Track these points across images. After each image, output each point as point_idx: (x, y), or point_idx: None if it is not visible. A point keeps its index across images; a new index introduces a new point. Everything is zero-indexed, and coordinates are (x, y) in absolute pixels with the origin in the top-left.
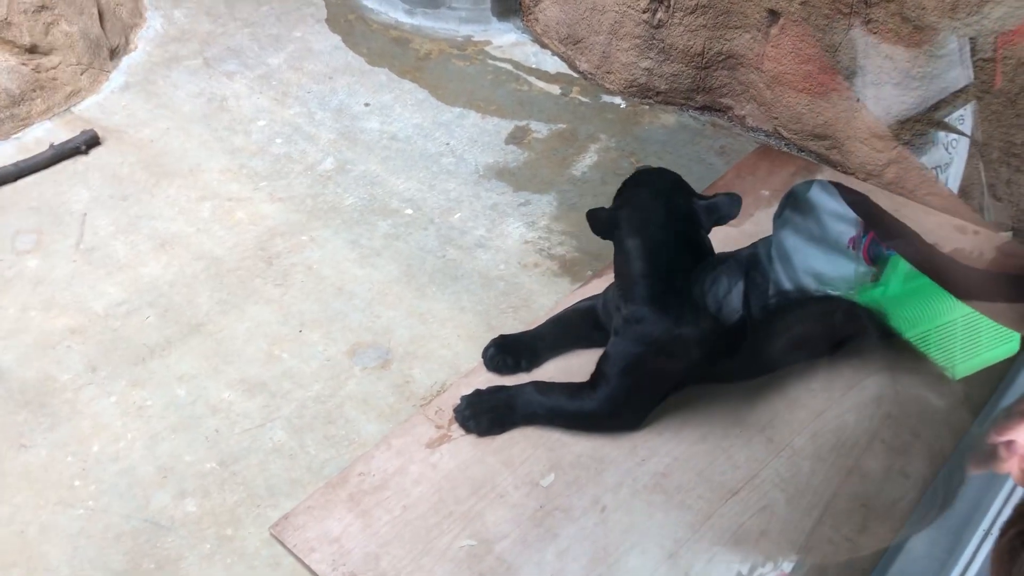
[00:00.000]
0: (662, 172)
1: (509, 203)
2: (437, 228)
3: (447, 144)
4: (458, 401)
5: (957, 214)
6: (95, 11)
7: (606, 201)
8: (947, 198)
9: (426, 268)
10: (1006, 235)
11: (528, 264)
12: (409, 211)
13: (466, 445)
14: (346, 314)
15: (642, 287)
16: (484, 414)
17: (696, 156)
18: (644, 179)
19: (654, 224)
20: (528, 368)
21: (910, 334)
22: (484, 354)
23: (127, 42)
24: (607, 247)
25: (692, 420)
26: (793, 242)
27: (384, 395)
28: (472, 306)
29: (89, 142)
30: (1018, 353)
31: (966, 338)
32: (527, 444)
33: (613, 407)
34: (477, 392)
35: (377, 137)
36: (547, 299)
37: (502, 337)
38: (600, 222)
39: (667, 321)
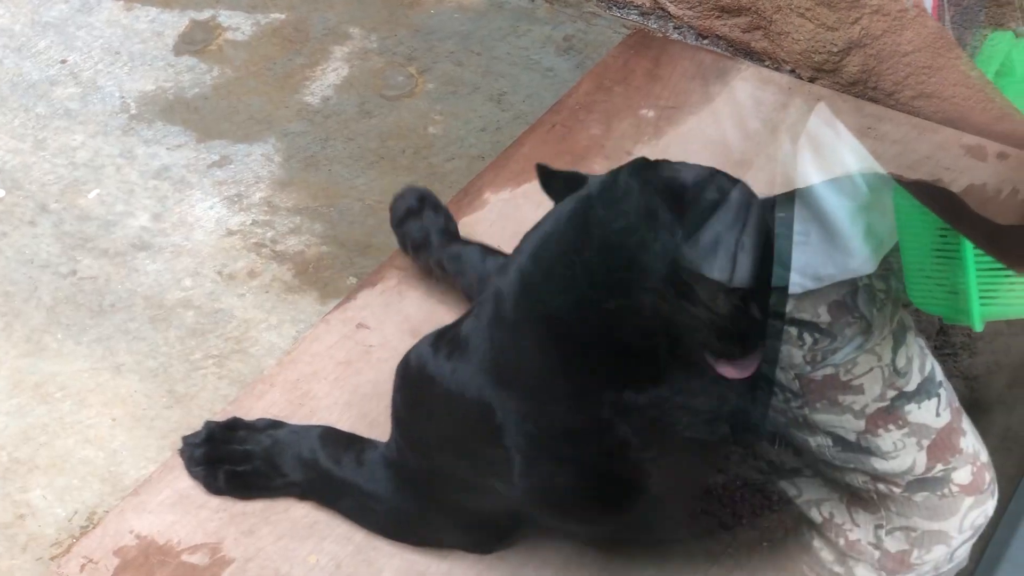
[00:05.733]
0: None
1: (191, 163)
2: (56, 221)
3: (62, 62)
4: (193, 433)
5: (969, 126)
6: None
7: (385, 151)
8: (953, 100)
9: (41, 298)
10: None
11: (236, 273)
12: None
13: None
14: None
15: (514, 271)
16: (224, 463)
17: (524, 58)
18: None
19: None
20: (442, 248)
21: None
22: (393, 212)
23: None
24: (377, 233)
25: None
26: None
27: None
28: (137, 361)
29: None
30: None
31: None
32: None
33: (398, 494)
34: (229, 424)
35: None
36: (278, 334)
37: (416, 189)
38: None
39: (486, 353)
